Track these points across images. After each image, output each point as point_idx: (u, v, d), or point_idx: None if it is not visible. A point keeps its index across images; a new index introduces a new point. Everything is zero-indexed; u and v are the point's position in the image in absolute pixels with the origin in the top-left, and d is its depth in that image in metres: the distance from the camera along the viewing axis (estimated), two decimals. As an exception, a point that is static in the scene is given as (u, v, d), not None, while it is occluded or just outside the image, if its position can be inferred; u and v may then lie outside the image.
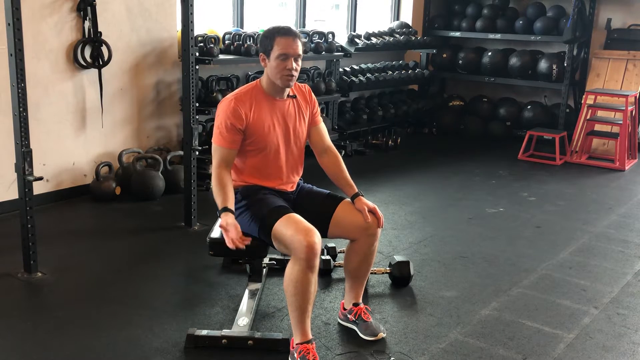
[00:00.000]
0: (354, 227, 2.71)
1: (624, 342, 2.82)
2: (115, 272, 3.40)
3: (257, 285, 3.04)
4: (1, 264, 3.41)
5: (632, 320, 3.04)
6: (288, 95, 2.75)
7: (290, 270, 2.46)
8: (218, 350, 2.60)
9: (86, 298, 3.08)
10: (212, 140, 2.65)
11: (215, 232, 2.76)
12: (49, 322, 2.82)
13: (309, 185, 2.91)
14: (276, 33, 2.62)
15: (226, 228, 2.44)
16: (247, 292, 2.99)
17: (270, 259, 3.45)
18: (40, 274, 3.29)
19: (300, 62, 2.66)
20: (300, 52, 2.64)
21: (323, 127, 2.90)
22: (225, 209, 2.49)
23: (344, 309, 2.88)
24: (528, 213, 4.71)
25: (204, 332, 2.64)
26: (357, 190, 2.77)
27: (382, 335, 2.75)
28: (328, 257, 3.44)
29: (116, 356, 2.56)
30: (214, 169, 2.59)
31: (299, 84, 2.85)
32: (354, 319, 2.81)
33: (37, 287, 3.19)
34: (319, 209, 2.74)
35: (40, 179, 3.20)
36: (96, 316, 2.89)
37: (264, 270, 3.29)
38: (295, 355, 2.48)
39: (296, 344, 2.51)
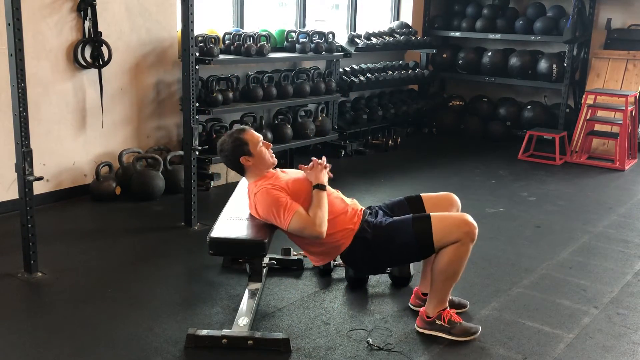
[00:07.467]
0: None
1: (624, 342, 2.82)
2: (115, 272, 3.40)
3: (257, 285, 3.04)
4: (1, 264, 3.41)
5: (632, 320, 3.04)
6: None
7: (457, 251, 2.70)
8: (218, 350, 2.60)
9: (86, 298, 3.08)
10: (290, 211, 2.74)
11: (215, 232, 2.76)
12: (49, 322, 2.82)
13: (378, 220, 2.95)
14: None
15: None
16: (247, 292, 2.98)
17: (270, 259, 3.45)
18: (40, 274, 3.29)
19: None
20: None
21: None
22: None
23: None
24: (528, 213, 4.71)
25: (204, 332, 2.65)
26: None
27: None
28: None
29: (116, 356, 2.56)
30: (320, 228, 2.74)
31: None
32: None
33: (37, 287, 3.19)
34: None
35: (40, 179, 3.20)
36: (96, 316, 2.89)
37: (264, 270, 3.29)
38: (442, 320, 2.75)
39: (438, 312, 2.76)
